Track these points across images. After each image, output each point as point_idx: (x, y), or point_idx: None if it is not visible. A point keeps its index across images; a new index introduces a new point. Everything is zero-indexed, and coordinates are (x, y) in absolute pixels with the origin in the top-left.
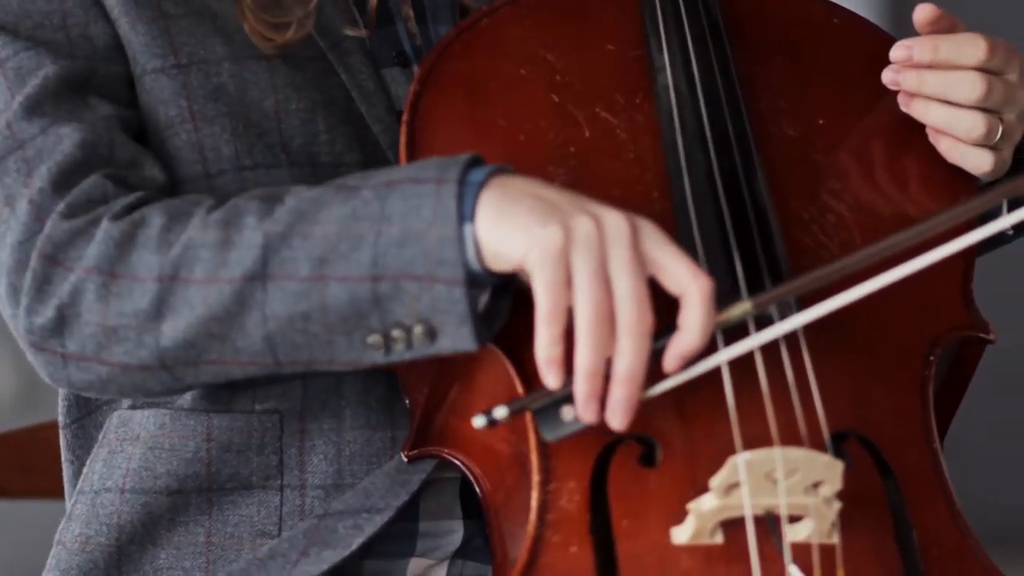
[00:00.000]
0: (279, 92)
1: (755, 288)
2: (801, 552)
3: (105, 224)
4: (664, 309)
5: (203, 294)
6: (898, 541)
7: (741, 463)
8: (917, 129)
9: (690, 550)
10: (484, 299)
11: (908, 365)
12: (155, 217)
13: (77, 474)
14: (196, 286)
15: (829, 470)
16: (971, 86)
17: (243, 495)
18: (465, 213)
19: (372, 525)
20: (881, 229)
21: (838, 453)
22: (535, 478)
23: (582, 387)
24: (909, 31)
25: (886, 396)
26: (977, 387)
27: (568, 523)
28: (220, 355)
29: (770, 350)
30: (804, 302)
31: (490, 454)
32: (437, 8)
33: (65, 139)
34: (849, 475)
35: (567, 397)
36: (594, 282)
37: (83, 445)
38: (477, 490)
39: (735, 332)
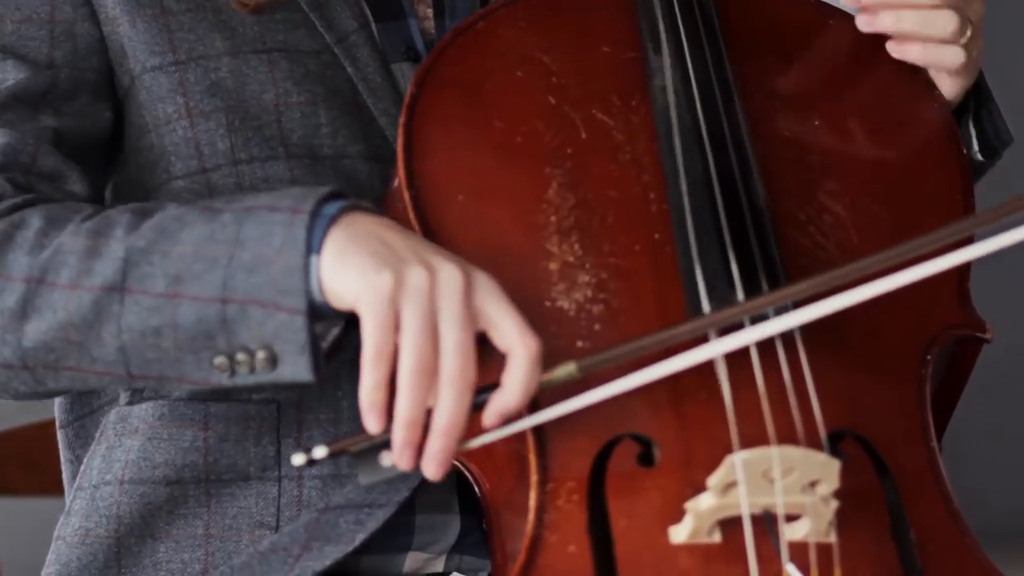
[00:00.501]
0: (279, 86)
1: (751, 289)
2: (798, 551)
3: None
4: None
5: (65, 299)
6: (895, 540)
7: (738, 462)
8: (914, 128)
9: (688, 549)
10: (335, 332)
11: (905, 364)
12: (34, 220)
13: (76, 472)
14: (60, 290)
15: (826, 469)
16: None
17: (241, 487)
18: (313, 245)
19: (374, 520)
20: (878, 229)
21: (835, 452)
22: (533, 478)
23: (399, 435)
24: None
25: (883, 395)
26: (974, 386)
27: (566, 522)
28: (77, 362)
29: (766, 348)
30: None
31: (489, 454)
32: (457, 5)
33: None
34: (846, 474)
35: (387, 443)
36: (419, 331)
37: (83, 444)
38: (476, 490)
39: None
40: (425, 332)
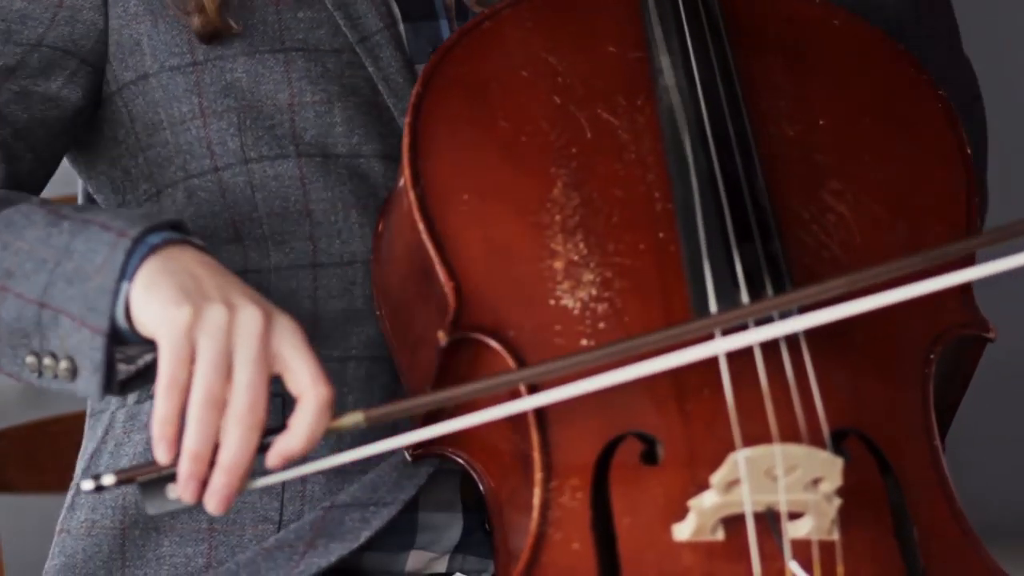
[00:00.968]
0: (294, 85)
1: (755, 287)
2: (801, 548)
3: None
4: None
5: None
6: (898, 538)
7: (741, 460)
8: (917, 128)
9: (691, 547)
10: (148, 357)
11: (909, 363)
12: None
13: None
14: None
15: (829, 466)
16: None
17: None
18: (128, 271)
19: (379, 519)
20: (881, 228)
21: (838, 450)
22: (537, 475)
23: (184, 467)
24: None
25: (886, 394)
26: (978, 385)
27: (570, 520)
28: None
29: (770, 348)
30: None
31: (493, 452)
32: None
33: None
34: (849, 472)
35: (174, 475)
36: (210, 364)
37: (90, 439)
38: (480, 487)
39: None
40: (216, 367)
